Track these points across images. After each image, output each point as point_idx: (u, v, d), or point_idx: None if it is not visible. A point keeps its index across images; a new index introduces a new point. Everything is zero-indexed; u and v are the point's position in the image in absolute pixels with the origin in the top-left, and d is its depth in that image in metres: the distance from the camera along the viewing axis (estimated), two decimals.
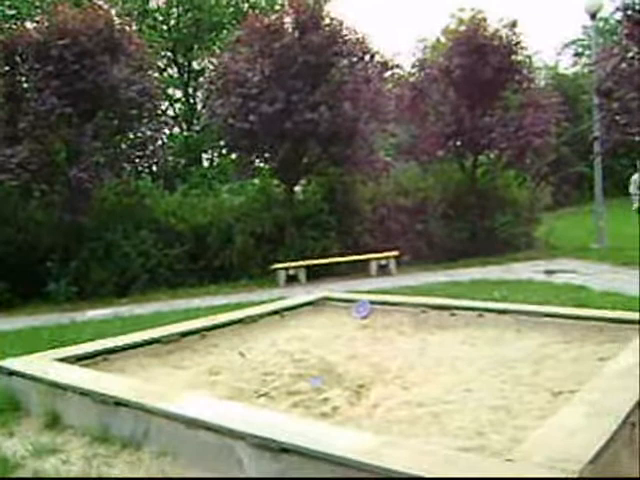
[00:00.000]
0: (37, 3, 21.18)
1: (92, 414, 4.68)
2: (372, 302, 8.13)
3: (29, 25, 17.51)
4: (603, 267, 13.99)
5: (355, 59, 16.11)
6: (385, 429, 4.15)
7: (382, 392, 4.96)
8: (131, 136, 16.23)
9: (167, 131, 23.62)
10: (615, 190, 27.72)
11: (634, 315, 6.53)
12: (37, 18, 15.03)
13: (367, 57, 16.31)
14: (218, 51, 21.43)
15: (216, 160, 26.99)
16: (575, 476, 2.93)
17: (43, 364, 5.52)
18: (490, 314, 7.22)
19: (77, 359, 5.78)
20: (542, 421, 3.88)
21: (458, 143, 18.29)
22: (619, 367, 4.62)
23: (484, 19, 17.61)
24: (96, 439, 4.50)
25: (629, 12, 14.31)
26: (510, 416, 4.30)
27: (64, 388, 4.97)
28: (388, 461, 3.18)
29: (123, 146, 16.07)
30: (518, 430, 3.97)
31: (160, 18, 27.64)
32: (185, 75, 28.18)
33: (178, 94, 28.56)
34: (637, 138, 15.71)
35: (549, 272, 13.56)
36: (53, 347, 6.42)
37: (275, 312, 8.09)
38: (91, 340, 6.86)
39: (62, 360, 5.65)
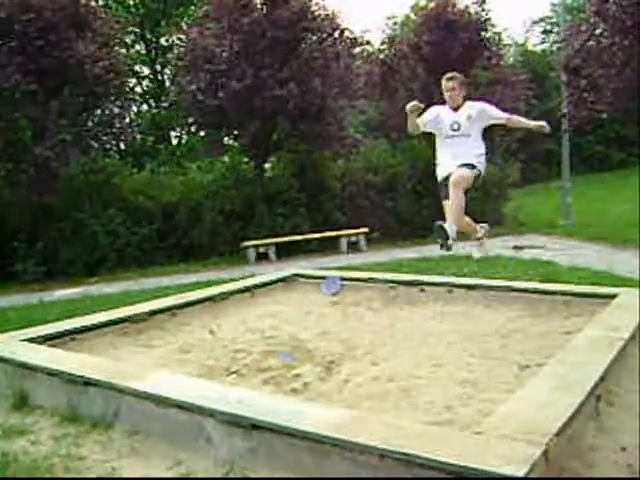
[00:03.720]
0: None
1: (61, 394, 4.65)
2: (342, 278, 8.15)
3: None
4: (570, 243, 14.18)
5: (324, 35, 16.02)
6: (356, 404, 4.18)
7: (352, 368, 4.99)
8: (98, 113, 16.00)
9: (135, 108, 23.35)
10: (582, 167, 28.04)
11: (600, 289, 6.64)
12: None
13: (336, 33, 16.22)
14: (186, 27, 21.13)
15: (185, 137, 26.75)
16: (543, 448, 2.98)
17: (11, 345, 5.46)
18: (459, 289, 7.28)
19: (45, 339, 5.72)
20: (510, 394, 3.93)
21: None
22: (585, 341, 4.69)
23: None
24: (65, 419, 4.47)
25: None
26: (478, 390, 4.35)
27: (32, 368, 4.92)
28: (360, 436, 3.20)
29: (90, 124, 15.84)
30: (486, 403, 4.02)
31: None
32: (153, 51, 27.79)
33: (146, 70, 28.19)
34: (604, 115, 15.87)
35: (517, 248, 13.70)
36: (21, 327, 6.35)
37: (245, 289, 8.09)
38: (60, 320, 6.80)
39: (30, 340, 5.60)
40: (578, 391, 3.65)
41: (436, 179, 6.48)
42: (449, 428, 3.64)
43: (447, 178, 6.16)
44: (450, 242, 5.95)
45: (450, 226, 6.00)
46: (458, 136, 6.22)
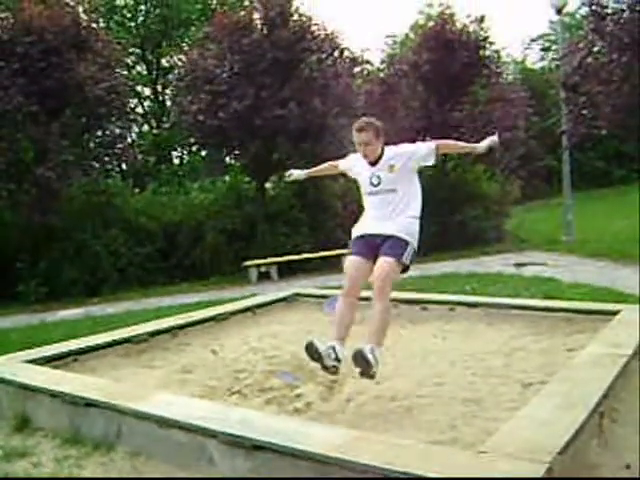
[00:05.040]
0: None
1: (63, 416, 4.64)
2: None
3: None
4: (571, 259, 14.16)
5: (324, 55, 16.13)
6: (358, 424, 4.16)
7: (355, 387, 4.97)
8: (100, 134, 16.09)
9: (136, 129, 23.46)
10: (583, 183, 28.07)
11: (602, 306, 6.62)
12: (2, 15, 14.77)
13: (336, 53, 16.35)
14: (187, 48, 21.30)
15: (186, 158, 26.86)
16: (547, 466, 2.96)
17: (12, 366, 5.45)
18: (461, 307, 7.27)
19: (47, 360, 5.71)
20: (513, 413, 3.91)
21: (427, 138, 18.38)
22: (587, 358, 4.68)
23: (452, 14, 17.73)
24: (67, 441, 4.45)
25: (594, 7, 14.50)
26: (481, 408, 4.34)
27: (34, 390, 4.91)
28: (362, 456, 3.19)
29: (92, 144, 15.92)
30: (489, 422, 4.01)
31: (128, 15, 27.41)
32: (154, 72, 27.98)
33: (147, 91, 28.37)
34: (604, 132, 15.92)
35: (519, 265, 13.69)
36: (23, 348, 6.34)
37: (247, 309, 8.07)
38: (62, 341, 6.78)
39: (32, 361, 5.58)
40: (581, 408, 3.64)
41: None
42: (453, 447, 3.63)
43: (362, 237, 4.94)
44: (374, 371, 4.42)
45: (372, 350, 4.42)
46: (380, 192, 4.91)
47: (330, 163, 5.67)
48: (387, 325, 4.67)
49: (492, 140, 5.09)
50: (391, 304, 4.73)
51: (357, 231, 5.05)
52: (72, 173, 14.39)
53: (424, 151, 4.93)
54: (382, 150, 4.95)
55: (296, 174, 5.84)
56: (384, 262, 4.63)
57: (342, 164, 5.44)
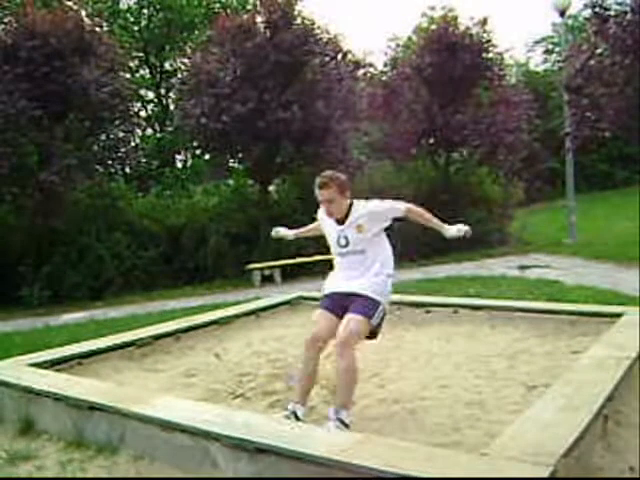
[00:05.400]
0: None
1: (67, 419, 4.63)
2: None
3: None
4: (575, 262, 14.15)
5: (327, 58, 16.15)
6: (362, 427, 4.15)
7: (358, 390, 4.93)
8: (103, 138, 16.12)
9: (139, 132, 23.48)
10: (586, 185, 28.04)
11: (606, 308, 6.61)
12: (5, 20, 14.82)
13: (339, 56, 16.35)
14: (190, 51, 21.31)
15: (190, 161, 26.87)
16: (550, 469, 2.96)
17: (16, 370, 5.45)
18: (465, 310, 7.26)
19: (51, 364, 5.71)
20: (517, 415, 3.91)
21: (431, 141, 18.40)
22: (591, 360, 4.67)
23: (455, 17, 17.75)
24: (71, 444, 4.45)
25: (597, 9, 14.49)
26: (485, 411, 4.33)
27: (38, 393, 4.91)
28: (366, 459, 3.18)
29: (95, 148, 15.94)
30: (493, 424, 4.00)
31: (131, 19, 27.45)
32: (157, 76, 28.03)
33: (150, 95, 28.40)
34: (607, 134, 15.90)
35: (522, 267, 13.68)
36: (27, 352, 6.34)
37: (251, 312, 8.07)
38: (65, 344, 6.79)
39: (36, 365, 5.59)
40: (585, 411, 3.63)
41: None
42: (456, 450, 3.62)
43: (331, 296, 4.77)
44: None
45: (336, 414, 4.11)
46: (348, 254, 4.68)
47: (317, 223, 5.33)
48: (353, 383, 4.26)
49: (459, 230, 4.81)
50: (358, 363, 4.35)
51: (327, 289, 4.86)
52: (76, 177, 14.40)
53: (392, 210, 4.67)
54: (350, 206, 4.61)
55: (283, 233, 5.68)
56: (352, 318, 4.35)
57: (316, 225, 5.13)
